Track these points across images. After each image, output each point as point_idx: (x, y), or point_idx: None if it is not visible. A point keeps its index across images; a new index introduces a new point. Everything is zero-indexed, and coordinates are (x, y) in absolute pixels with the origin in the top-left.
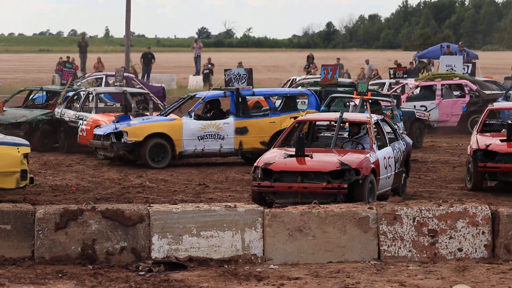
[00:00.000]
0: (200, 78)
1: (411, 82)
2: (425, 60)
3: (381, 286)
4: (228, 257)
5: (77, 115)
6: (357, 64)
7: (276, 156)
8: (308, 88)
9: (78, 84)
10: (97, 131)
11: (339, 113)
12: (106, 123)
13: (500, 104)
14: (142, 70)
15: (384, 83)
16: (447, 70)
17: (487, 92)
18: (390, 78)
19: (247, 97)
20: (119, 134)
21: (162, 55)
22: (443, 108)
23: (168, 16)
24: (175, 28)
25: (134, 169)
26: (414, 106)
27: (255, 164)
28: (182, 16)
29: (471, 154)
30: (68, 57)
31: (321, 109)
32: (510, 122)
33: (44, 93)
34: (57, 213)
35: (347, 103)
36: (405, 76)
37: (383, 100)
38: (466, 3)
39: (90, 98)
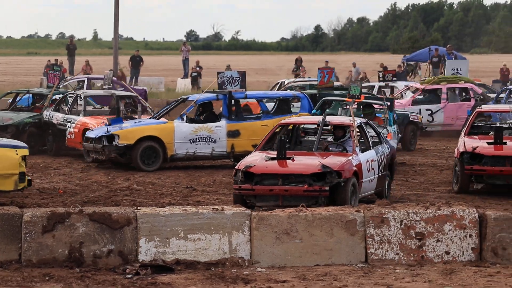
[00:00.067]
0: (188, 81)
1: (416, 85)
2: (412, 63)
3: None
4: (216, 260)
5: (65, 118)
6: (345, 67)
7: (257, 159)
8: (304, 91)
9: (60, 87)
10: (89, 134)
11: (322, 116)
12: (94, 126)
13: (488, 107)
14: (131, 73)
15: (373, 86)
16: (453, 74)
17: (491, 95)
18: (379, 81)
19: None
20: (110, 137)
21: (150, 58)
22: (448, 111)
23: (156, 19)
24: (163, 31)
25: (122, 172)
26: (420, 110)
27: (236, 167)
28: (170, 19)
29: (458, 157)
30: (56, 60)
31: (312, 112)
32: (498, 125)
33: (30, 95)
34: (44, 216)
35: (346, 107)
36: (394, 79)
37: (375, 103)
38: (455, 6)
39: (79, 101)
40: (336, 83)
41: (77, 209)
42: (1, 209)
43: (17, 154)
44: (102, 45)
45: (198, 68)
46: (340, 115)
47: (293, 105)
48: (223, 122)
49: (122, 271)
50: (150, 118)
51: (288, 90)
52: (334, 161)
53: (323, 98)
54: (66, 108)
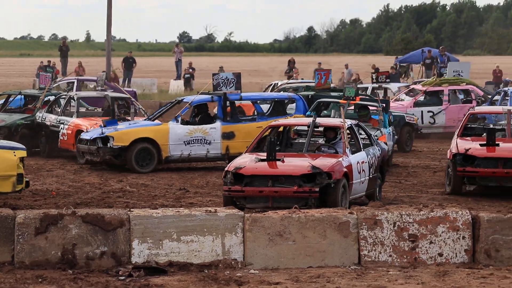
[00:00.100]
0: (181, 82)
1: (417, 87)
2: (404, 65)
3: None
4: (209, 261)
5: (58, 119)
6: (338, 69)
7: (247, 161)
8: (300, 93)
9: (51, 88)
10: (84, 136)
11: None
12: (87, 128)
13: (481, 108)
14: (123, 75)
15: (366, 88)
16: (454, 76)
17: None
18: (373, 82)
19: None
20: (105, 139)
21: (143, 60)
22: (450, 113)
23: (149, 21)
24: (156, 32)
25: (115, 173)
26: (422, 112)
27: (226, 169)
28: (163, 21)
29: (450, 158)
30: (49, 61)
31: (306, 114)
32: (491, 126)
33: (22, 97)
34: (37, 217)
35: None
36: (387, 80)
37: (370, 105)
38: (447, 7)
39: (72, 103)
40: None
41: (70, 211)
42: None
43: (15, 155)
44: (95, 47)
45: (191, 70)
46: (334, 117)
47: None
48: (217, 124)
49: (115, 273)
50: (145, 119)
51: (282, 92)
52: (324, 162)
53: (318, 100)
54: (59, 110)
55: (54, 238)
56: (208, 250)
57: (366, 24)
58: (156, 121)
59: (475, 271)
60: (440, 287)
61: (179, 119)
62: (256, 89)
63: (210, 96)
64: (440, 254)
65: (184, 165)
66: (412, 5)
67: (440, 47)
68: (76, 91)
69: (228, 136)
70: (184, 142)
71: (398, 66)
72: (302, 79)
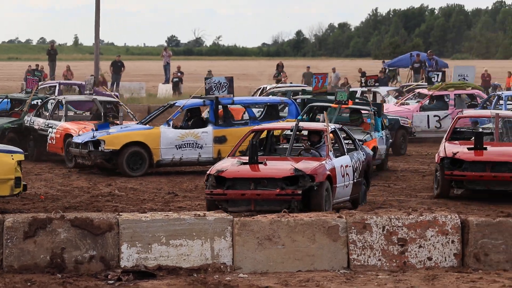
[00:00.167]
0: (169, 86)
1: (423, 91)
2: (391, 69)
3: None
4: (198, 266)
5: (46, 123)
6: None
7: (229, 164)
8: (296, 97)
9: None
10: (76, 139)
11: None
12: (76, 132)
13: (469, 112)
14: (112, 78)
15: (355, 92)
16: (459, 80)
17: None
18: (362, 86)
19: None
20: (96, 143)
21: (132, 63)
22: None
23: (137, 24)
24: (144, 36)
25: (103, 177)
26: (428, 116)
27: (208, 172)
28: (151, 24)
29: (438, 162)
30: (37, 65)
31: (298, 118)
32: (480, 130)
33: (8, 100)
34: (26, 221)
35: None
36: (376, 84)
37: (362, 109)
38: (436, 11)
39: (60, 106)
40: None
41: (59, 215)
42: None
43: (13, 159)
44: (83, 50)
45: (179, 74)
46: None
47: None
48: (209, 128)
49: (104, 277)
50: (137, 123)
51: (270, 96)
52: (307, 165)
53: (309, 104)
54: (47, 114)
55: (42, 242)
56: (197, 254)
57: (354, 28)
58: (148, 125)
59: (464, 275)
60: None
61: (171, 123)
62: (245, 93)
63: (202, 100)
64: (429, 258)
65: (173, 169)
66: (400, 9)
67: (428, 51)
68: (57, 94)
69: (220, 140)
70: (176, 146)
71: (387, 70)
72: (291, 83)
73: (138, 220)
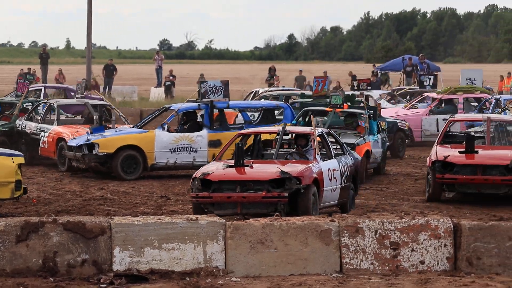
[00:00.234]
0: (162, 90)
1: (431, 94)
2: (383, 72)
3: None
4: (190, 269)
5: (38, 127)
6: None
7: (215, 167)
8: (296, 100)
9: (10, 95)
10: (71, 142)
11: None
12: (68, 135)
13: (461, 116)
14: (104, 82)
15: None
16: (467, 84)
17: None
18: (354, 90)
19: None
20: (91, 146)
21: (124, 67)
22: None
23: (129, 28)
24: (136, 39)
25: (96, 181)
26: (437, 120)
27: (193, 175)
28: (143, 28)
29: (430, 166)
30: (29, 69)
31: (292, 122)
32: (472, 134)
33: None
34: (18, 225)
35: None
36: (369, 88)
37: (357, 113)
38: (428, 15)
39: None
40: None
41: (51, 219)
42: None
43: (13, 162)
44: (75, 54)
45: (171, 77)
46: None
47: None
48: (204, 132)
49: (96, 280)
50: (132, 127)
51: (263, 100)
52: (293, 167)
53: (304, 108)
54: (39, 117)
55: (35, 246)
56: (190, 258)
57: (346, 31)
58: (142, 129)
59: (457, 279)
60: None
61: (165, 126)
62: (237, 96)
63: (197, 104)
64: (422, 262)
65: (165, 172)
66: (392, 12)
67: (420, 55)
68: (43, 98)
69: (214, 144)
70: (170, 149)
71: (379, 73)
72: (283, 86)
73: (130, 223)
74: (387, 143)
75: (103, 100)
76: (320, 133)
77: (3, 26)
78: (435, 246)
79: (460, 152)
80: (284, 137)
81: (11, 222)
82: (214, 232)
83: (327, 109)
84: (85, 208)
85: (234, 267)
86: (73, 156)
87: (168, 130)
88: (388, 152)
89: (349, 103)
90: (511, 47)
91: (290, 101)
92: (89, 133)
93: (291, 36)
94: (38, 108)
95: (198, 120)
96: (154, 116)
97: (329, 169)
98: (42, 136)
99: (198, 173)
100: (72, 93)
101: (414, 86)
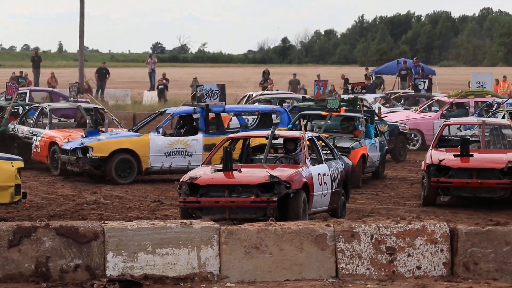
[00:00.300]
0: (155, 93)
1: (442, 98)
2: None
3: None
4: (184, 275)
5: (31, 131)
6: (312, 80)
7: (202, 171)
8: (298, 104)
9: (1, 99)
10: (65, 146)
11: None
12: (61, 139)
13: (456, 120)
14: (97, 85)
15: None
16: (477, 87)
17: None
18: (349, 93)
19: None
20: (85, 149)
21: (116, 70)
22: None
23: (122, 31)
24: (129, 43)
25: (89, 185)
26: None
27: (181, 179)
28: (136, 31)
29: (425, 169)
30: (21, 72)
31: (288, 126)
32: (467, 137)
33: None
34: (10, 230)
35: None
36: (363, 91)
37: (354, 117)
38: (422, 18)
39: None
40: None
41: (44, 223)
42: None
43: (12, 166)
44: (68, 57)
45: (164, 81)
46: (313, 129)
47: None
48: (199, 136)
49: (89, 286)
50: (127, 130)
51: (256, 103)
52: (283, 172)
53: (300, 113)
54: (31, 121)
55: (27, 251)
56: (184, 263)
57: (340, 35)
58: (137, 132)
59: (454, 284)
60: None
61: (160, 130)
62: (231, 100)
63: (193, 107)
64: (419, 267)
65: (159, 176)
66: (387, 15)
67: (414, 58)
68: (28, 101)
69: (210, 148)
70: (165, 153)
71: (374, 77)
72: (277, 90)
73: (124, 228)
74: (386, 147)
75: (89, 103)
76: (309, 137)
77: None
78: (431, 251)
79: (455, 155)
80: (280, 141)
81: (3, 227)
82: (208, 237)
83: (323, 113)
84: (78, 212)
85: (229, 272)
86: (67, 159)
87: (164, 134)
88: (389, 155)
89: (351, 107)
90: (506, 51)
91: (285, 104)
92: (84, 136)
93: (285, 40)
94: (29, 112)
95: (194, 124)
96: (150, 120)
97: (319, 174)
98: (34, 140)
99: (185, 177)
100: (61, 98)
101: (409, 89)
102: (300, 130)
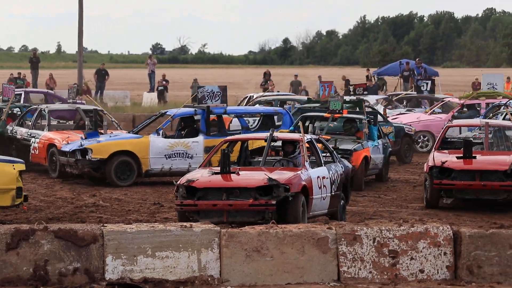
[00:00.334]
0: (154, 95)
1: (453, 100)
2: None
3: None
4: (184, 278)
5: (29, 133)
6: (314, 81)
7: (200, 174)
8: (303, 106)
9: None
10: (64, 148)
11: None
12: (59, 141)
13: (458, 122)
14: (96, 87)
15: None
16: (488, 89)
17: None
18: (350, 94)
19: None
20: (84, 151)
21: (115, 71)
22: None
23: (121, 32)
24: (128, 43)
25: (87, 188)
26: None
27: (178, 182)
28: (135, 32)
29: (427, 172)
30: (19, 73)
31: (290, 128)
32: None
33: None
34: (8, 233)
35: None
36: (365, 92)
37: (356, 118)
38: (425, 19)
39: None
40: (305, 97)
41: (42, 226)
42: None
43: (14, 169)
44: (66, 58)
45: (164, 82)
46: (315, 131)
47: (249, 121)
48: (200, 138)
49: None
50: (128, 132)
51: (257, 105)
52: (281, 174)
53: (302, 115)
54: (30, 123)
55: (25, 254)
56: (184, 266)
57: (342, 35)
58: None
59: None
60: None
61: (160, 132)
62: (231, 101)
63: (194, 109)
64: (421, 271)
65: (159, 179)
66: (389, 16)
67: (417, 59)
68: (23, 103)
69: (210, 150)
70: (165, 155)
71: (376, 78)
72: (278, 91)
73: (123, 231)
74: (389, 149)
75: (84, 104)
76: (309, 140)
77: None
78: (434, 255)
79: (457, 157)
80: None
81: (1, 230)
82: (208, 240)
83: (325, 114)
84: (77, 215)
85: (230, 276)
86: (66, 161)
87: (165, 136)
88: (394, 157)
89: (357, 108)
90: (510, 51)
91: (286, 106)
92: (84, 138)
93: (286, 40)
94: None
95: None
96: (150, 122)
97: (318, 177)
98: (32, 142)
99: (182, 180)
100: (57, 99)
101: (412, 91)
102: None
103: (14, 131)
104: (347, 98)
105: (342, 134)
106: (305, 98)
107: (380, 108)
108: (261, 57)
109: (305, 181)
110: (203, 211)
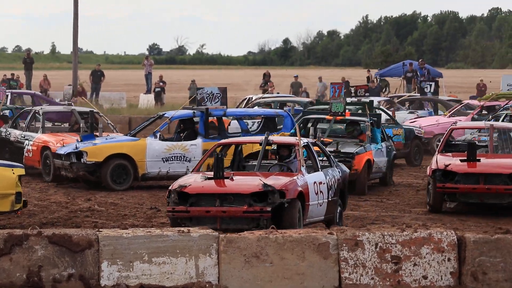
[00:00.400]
0: (151, 96)
1: (472, 102)
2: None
3: None
4: (182, 284)
5: (23, 135)
6: (315, 82)
7: (192, 179)
8: (312, 107)
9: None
10: (59, 150)
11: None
12: (54, 144)
13: (463, 124)
14: (91, 88)
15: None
16: (508, 90)
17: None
18: (351, 96)
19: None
20: (79, 154)
21: (111, 72)
22: None
23: (117, 32)
24: (124, 44)
25: (82, 192)
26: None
27: (170, 188)
28: (132, 32)
29: (430, 175)
30: (12, 74)
31: (291, 131)
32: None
33: None
34: (1, 238)
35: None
36: (366, 94)
37: (359, 120)
38: (429, 19)
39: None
40: (305, 99)
41: (36, 231)
42: None
43: (13, 173)
44: (61, 59)
45: (161, 83)
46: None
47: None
48: (199, 141)
49: None
50: (125, 135)
51: (256, 107)
52: (277, 180)
53: (304, 117)
54: (24, 125)
55: (19, 260)
56: (181, 272)
57: (344, 35)
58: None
59: None
60: None
61: (158, 134)
62: (230, 103)
63: (192, 111)
64: (425, 277)
65: (155, 183)
66: (392, 16)
67: (420, 60)
68: (10, 104)
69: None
70: (163, 159)
71: (378, 79)
72: (278, 93)
73: (119, 236)
74: (394, 152)
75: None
76: (305, 144)
77: None
78: (438, 260)
79: (461, 160)
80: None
81: None
82: (206, 245)
83: (327, 117)
84: (71, 220)
85: (228, 282)
86: (61, 164)
87: (162, 139)
88: (404, 160)
89: (365, 110)
90: None
91: (286, 107)
92: (79, 140)
93: (286, 41)
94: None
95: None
96: (147, 124)
97: (315, 182)
98: (26, 144)
99: (174, 185)
100: (44, 101)
101: (415, 93)
102: (305, 134)
103: (8, 133)
104: (348, 99)
105: (345, 137)
106: (306, 100)
107: (392, 110)
108: (260, 58)
109: (301, 187)
110: (196, 217)
